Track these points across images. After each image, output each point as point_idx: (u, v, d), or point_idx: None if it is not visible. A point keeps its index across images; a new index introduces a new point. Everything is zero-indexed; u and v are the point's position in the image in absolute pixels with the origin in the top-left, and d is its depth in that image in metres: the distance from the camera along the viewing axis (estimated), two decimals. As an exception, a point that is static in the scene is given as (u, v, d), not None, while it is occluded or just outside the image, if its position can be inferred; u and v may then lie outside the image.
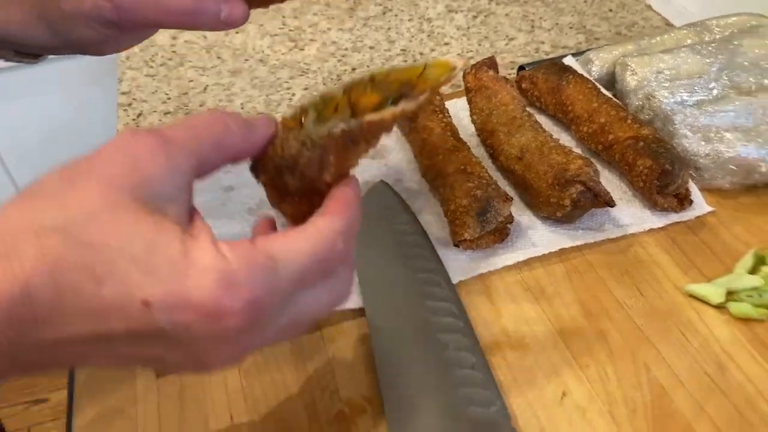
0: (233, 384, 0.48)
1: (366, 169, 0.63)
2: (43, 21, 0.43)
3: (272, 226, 0.38)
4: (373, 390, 0.47)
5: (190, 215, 0.32)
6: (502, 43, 0.90)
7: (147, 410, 0.46)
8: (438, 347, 0.48)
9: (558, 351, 0.48)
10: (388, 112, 0.35)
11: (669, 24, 0.89)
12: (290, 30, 0.92)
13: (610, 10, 0.94)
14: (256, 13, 0.87)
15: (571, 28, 0.91)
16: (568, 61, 0.69)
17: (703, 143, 0.56)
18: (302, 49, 0.88)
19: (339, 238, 0.33)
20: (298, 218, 0.37)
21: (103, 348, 0.28)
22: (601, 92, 0.62)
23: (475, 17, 0.95)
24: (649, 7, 0.93)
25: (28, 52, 0.47)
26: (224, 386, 0.47)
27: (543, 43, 0.89)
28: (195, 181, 0.32)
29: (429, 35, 0.92)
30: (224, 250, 0.29)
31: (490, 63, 0.66)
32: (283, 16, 0.95)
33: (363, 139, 0.35)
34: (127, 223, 0.28)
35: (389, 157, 0.65)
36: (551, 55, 0.85)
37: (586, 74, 0.67)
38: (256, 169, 0.38)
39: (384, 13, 0.97)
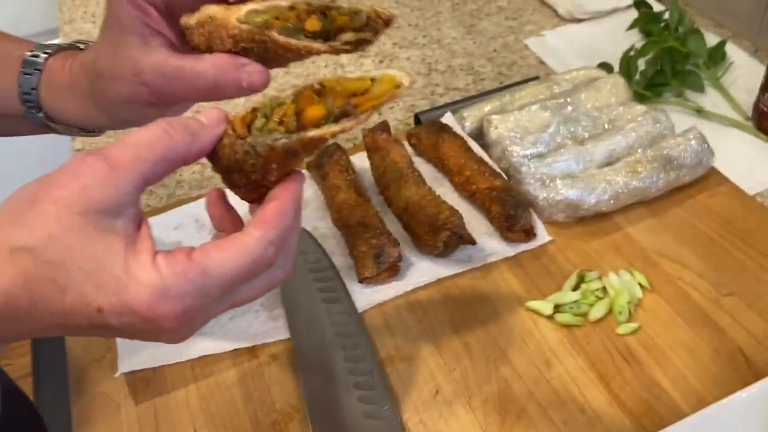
0: (194, 404, 0.64)
1: (289, 219, 0.79)
2: (98, 107, 0.51)
3: (222, 198, 0.44)
4: (298, 400, 0.63)
5: (138, 224, 0.38)
6: (404, 86, 1.06)
7: (130, 431, 0.62)
8: (346, 363, 0.65)
9: (434, 359, 0.66)
10: (328, 130, 0.39)
11: (542, 62, 1.07)
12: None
13: (494, 50, 1.11)
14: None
15: (461, 69, 1.08)
16: (446, 119, 0.86)
17: (540, 189, 0.74)
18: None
19: (270, 248, 0.38)
20: (250, 201, 0.44)
21: (75, 331, 0.37)
22: (469, 148, 0.79)
23: (381, 62, 1.11)
24: (526, 46, 1.10)
25: (90, 130, 0.58)
26: (188, 407, 0.64)
27: (438, 85, 1.05)
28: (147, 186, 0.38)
29: (343, 81, 1.07)
30: (161, 265, 0.36)
31: (384, 127, 0.83)
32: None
33: (303, 150, 0.40)
34: (80, 244, 0.35)
35: (308, 209, 0.81)
36: (444, 97, 1.02)
37: (460, 129, 0.84)
38: (210, 159, 0.42)
39: (303, 61, 1.12)
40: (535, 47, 1.10)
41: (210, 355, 0.67)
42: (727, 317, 0.66)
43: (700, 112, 0.92)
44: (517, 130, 0.80)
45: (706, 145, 0.77)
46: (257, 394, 0.64)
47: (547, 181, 0.74)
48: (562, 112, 0.81)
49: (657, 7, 1.08)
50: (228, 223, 0.44)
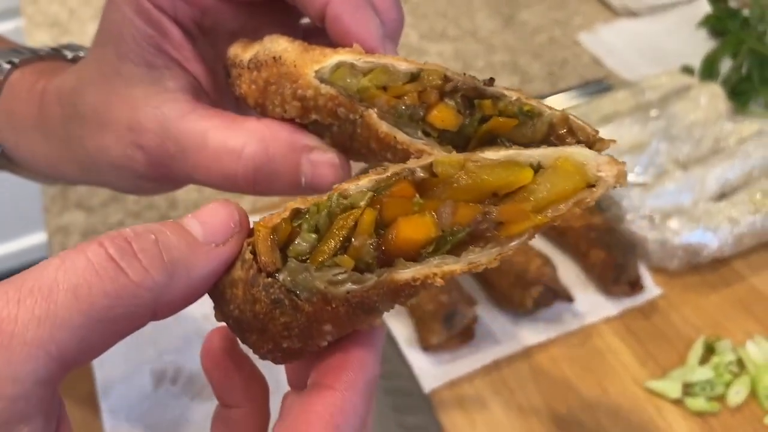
0: None
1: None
2: (72, 158, 0.35)
3: (226, 348, 0.28)
4: None
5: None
6: (438, 87, 0.89)
7: None
8: (417, 467, 0.49)
9: (532, 460, 0.50)
10: (440, 270, 0.20)
11: (598, 62, 0.91)
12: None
13: (540, 45, 0.95)
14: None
15: (504, 67, 0.92)
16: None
17: (649, 229, 0.59)
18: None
19: None
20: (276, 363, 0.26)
21: None
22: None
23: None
24: (577, 43, 0.95)
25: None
26: None
27: (479, 87, 0.89)
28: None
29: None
30: None
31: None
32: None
33: (386, 302, 0.22)
34: None
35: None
36: (488, 101, 0.86)
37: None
38: (213, 299, 0.25)
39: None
40: (589, 44, 0.94)
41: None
42: None
43: (795, 127, 0.78)
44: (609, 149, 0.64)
45: (841, 174, 0.63)
46: None
47: (657, 218, 0.59)
48: (657, 124, 0.66)
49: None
50: (237, 391, 0.28)
